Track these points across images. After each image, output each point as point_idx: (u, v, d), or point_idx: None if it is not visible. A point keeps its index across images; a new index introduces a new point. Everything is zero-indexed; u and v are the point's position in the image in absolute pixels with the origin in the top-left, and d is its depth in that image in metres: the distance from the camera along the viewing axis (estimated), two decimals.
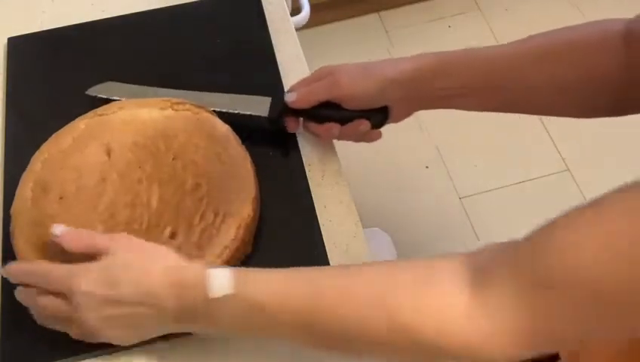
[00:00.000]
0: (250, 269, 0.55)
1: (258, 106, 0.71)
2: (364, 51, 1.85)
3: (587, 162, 1.60)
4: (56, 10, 0.87)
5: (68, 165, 0.67)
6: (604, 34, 0.61)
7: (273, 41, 0.82)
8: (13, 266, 0.58)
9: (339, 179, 0.72)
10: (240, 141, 0.69)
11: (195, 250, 0.62)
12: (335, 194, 0.71)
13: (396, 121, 0.71)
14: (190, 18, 0.85)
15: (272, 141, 0.74)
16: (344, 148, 0.74)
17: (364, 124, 0.69)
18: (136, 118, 0.70)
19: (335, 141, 0.75)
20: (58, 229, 0.58)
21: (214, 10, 0.85)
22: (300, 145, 0.74)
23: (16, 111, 0.77)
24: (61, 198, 0.65)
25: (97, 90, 0.75)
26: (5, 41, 0.83)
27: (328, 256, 0.66)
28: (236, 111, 0.72)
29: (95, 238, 0.57)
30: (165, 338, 0.62)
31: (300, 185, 0.71)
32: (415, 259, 0.52)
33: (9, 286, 0.61)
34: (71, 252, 0.57)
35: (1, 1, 0.88)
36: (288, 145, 0.74)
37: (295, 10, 0.99)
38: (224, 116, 0.71)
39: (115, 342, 0.58)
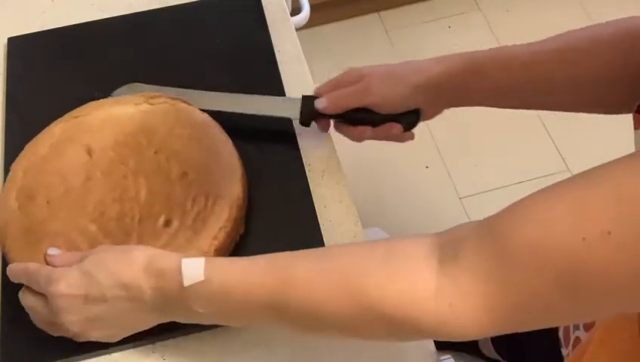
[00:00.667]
0: (225, 258, 0.55)
1: (289, 108, 0.71)
2: (364, 51, 1.85)
3: (587, 162, 1.59)
4: (56, 10, 0.87)
5: (49, 170, 0.67)
6: (628, 31, 0.61)
7: (273, 41, 0.82)
8: (11, 265, 0.60)
9: (339, 179, 0.72)
10: (220, 127, 0.69)
11: (191, 233, 0.62)
12: (335, 194, 0.71)
13: (427, 119, 0.72)
14: (190, 18, 0.85)
15: (271, 141, 0.74)
16: (344, 148, 0.74)
17: (396, 128, 0.69)
18: (112, 116, 0.70)
19: (335, 141, 0.75)
20: (53, 251, 0.60)
21: (214, 10, 0.85)
22: (299, 145, 0.74)
23: (16, 111, 0.77)
24: (48, 203, 0.65)
25: (124, 92, 0.75)
26: (5, 41, 0.83)
27: None
28: (267, 114, 0.71)
29: (79, 255, 0.58)
30: (165, 336, 0.62)
31: (299, 185, 0.70)
32: (386, 238, 0.51)
33: (9, 287, 0.61)
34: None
35: (1, 1, 0.88)
36: (288, 145, 0.74)
37: (295, 10, 0.99)
38: (227, 116, 0.71)
39: (102, 340, 0.58)
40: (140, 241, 0.63)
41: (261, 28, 0.83)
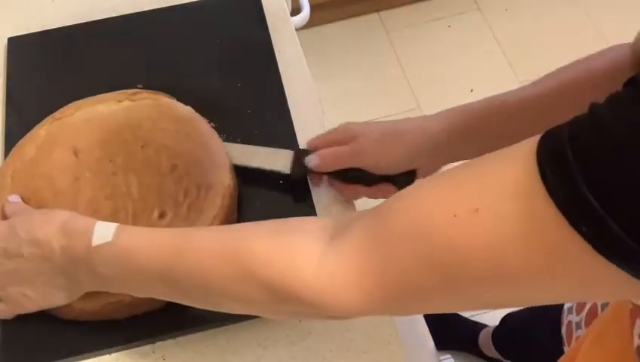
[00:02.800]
0: (139, 227, 0.56)
1: (279, 161, 0.69)
2: (364, 51, 1.85)
3: None
4: (56, 10, 0.87)
5: (37, 174, 0.67)
6: (613, 63, 0.60)
7: (273, 41, 0.82)
8: None
9: None
10: (205, 120, 0.70)
11: (187, 224, 0.63)
12: (335, 194, 0.71)
13: (423, 177, 0.68)
14: (190, 18, 0.85)
15: (271, 142, 0.73)
16: None
17: (391, 189, 0.66)
18: (95, 115, 0.70)
19: None
20: (14, 198, 0.64)
21: (214, 10, 0.85)
22: (299, 145, 0.74)
23: (16, 111, 0.77)
24: (39, 207, 0.65)
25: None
26: (5, 41, 0.83)
27: None
28: (257, 166, 0.69)
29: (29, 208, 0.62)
30: (165, 336, 0.62)
31: (299, 185, 0.70)
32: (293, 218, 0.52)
33: None
34: None
35: (1, 1, 0.88)
36: (288, 145, 0.73)
37: (295, 10, 0.99)
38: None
39: (21, 306, 0.60)
40: None
41: (261, 28, 0.83)
